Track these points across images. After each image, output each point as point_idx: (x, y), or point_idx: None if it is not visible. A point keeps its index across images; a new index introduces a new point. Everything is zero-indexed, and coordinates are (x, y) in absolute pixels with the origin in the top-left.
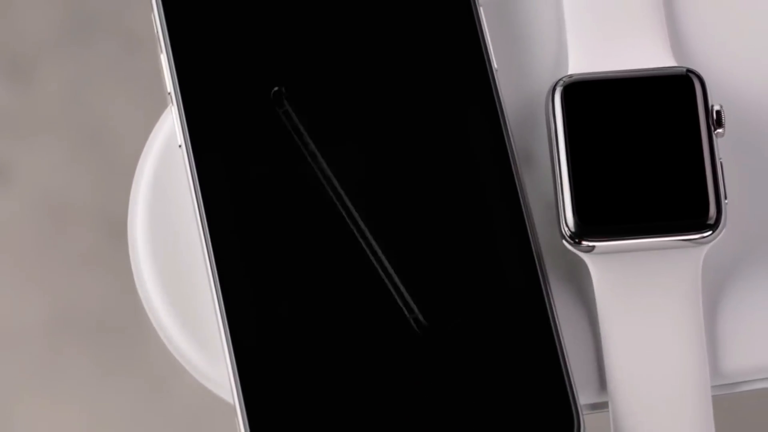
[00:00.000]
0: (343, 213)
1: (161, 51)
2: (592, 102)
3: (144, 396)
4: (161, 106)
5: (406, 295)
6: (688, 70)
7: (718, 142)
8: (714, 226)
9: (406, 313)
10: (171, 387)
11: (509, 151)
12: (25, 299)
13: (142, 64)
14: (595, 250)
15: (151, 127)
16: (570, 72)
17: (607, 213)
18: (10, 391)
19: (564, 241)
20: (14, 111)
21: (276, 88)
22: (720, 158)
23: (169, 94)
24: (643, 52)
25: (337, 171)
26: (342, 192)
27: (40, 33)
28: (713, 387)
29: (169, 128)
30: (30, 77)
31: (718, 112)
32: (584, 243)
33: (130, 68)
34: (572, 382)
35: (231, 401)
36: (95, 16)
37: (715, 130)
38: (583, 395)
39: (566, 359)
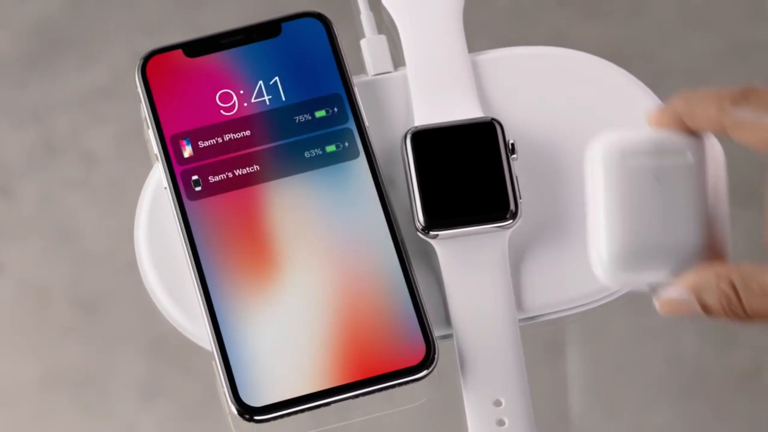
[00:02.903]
0: (271, 219)
1: (148, 127)
2: (430, 143)
3: None
4: (119, 207)
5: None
6: (492, 119)
7: (514, 164)
8: (513, 216)
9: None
10: None
11: (379, 178)
12: (18, 364)
13: (99, 176)
14: (438, 237)
15: (111, 223)
16: (415, 124)
17: (445, 212)
18: None
19: (418, 233)
20: (2, 219)
21: None
22: (515, 174)
23: (155, 154)
24: (462, 109)
25: (267, 194)
26: (266, 201)
27: (16, 158)
28: (520, 320)
29: (157, 177)
30: (12, 193)
31: (513, 145)
32: (431, 233)
33: (90, 180)
34: (428, 322)
35: (209, 348)
36: (57, 142)
37: (511, 155)
38: (436, 329)
39: (423, 307)
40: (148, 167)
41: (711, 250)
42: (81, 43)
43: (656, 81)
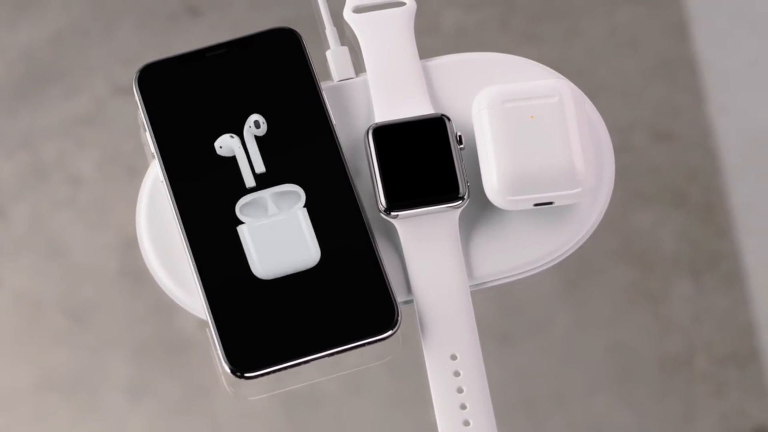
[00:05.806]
0: (248, 197)
1: (145, 130)
2: (389, 136)
3: None
4: (103, 224)
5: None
6: (442, 114)
7: (462, 153)
8: (462, 198)
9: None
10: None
11: (346, 168)
12: (15, 370)
13: (84, 196)
14: (398, 217)
15: (96, 238)
16: (376, 121)
17: (404, 196)
18: None
19: (381, 214)
20: None
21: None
22: (463, 160)
23: (152, 153)
24: (415, 107)
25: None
26: (249, 183)
27: (8, 181)
28: (470, 285)
29: (155, 173)
30: (5, 214)
31: (460, 136)
32: (392, 213)
33: (76, 200)
34: (392, 289)
35: (204, 317)
36: (45, 166)
37: (459, 146)
38: (399, 296)
39: (388, 277)
40: (130, 186)
41: (583, 172)
42: (65, 74)
43: (590, 96)
